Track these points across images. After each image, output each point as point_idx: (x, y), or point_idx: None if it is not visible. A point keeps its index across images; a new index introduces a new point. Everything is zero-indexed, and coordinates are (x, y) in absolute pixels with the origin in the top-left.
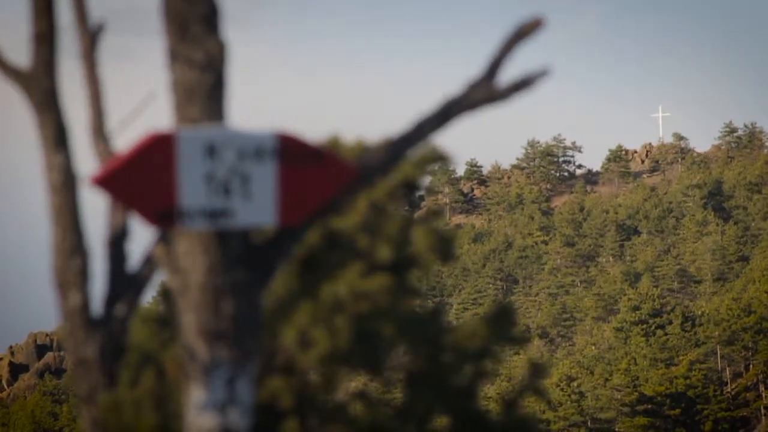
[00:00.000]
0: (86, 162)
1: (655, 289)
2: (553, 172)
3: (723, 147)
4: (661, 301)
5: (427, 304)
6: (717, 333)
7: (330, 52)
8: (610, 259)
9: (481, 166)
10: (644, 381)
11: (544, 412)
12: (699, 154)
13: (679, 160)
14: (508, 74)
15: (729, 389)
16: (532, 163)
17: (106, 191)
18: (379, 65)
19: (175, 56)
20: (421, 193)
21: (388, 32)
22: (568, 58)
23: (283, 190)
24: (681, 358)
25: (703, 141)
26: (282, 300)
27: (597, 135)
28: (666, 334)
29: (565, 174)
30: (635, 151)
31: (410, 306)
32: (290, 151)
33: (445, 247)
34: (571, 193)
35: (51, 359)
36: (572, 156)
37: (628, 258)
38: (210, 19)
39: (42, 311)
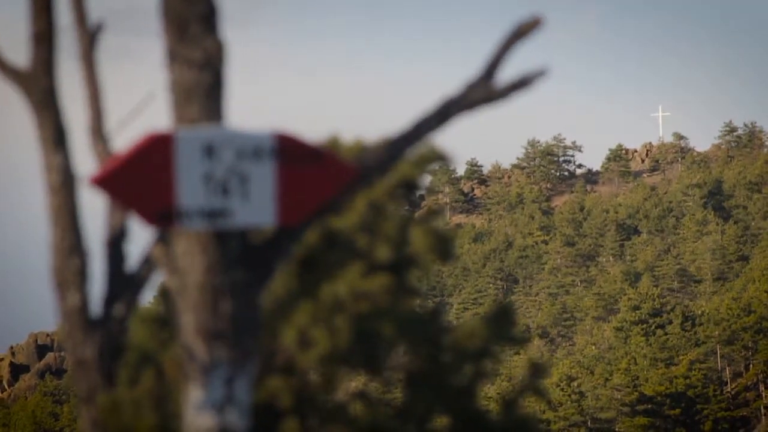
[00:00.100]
0: (85, 162)
1: (655, 288)
2: (553, 171)
3: (723, 146)
4: (661, 300)
5: (427, 303)
6: (717, 333)
7: (330, 52)
8: (610, 258)
9: (482, 166)
10: (644, 381)
11: (544, 411)
12: (699, 154)
13: (679, 159)
14: (508, 74)
15: (729, 389)
16: (532, 163)
17: (105, 191)
18: (379, 65)
19: (173, 56)
20: (422, 192)
21: (388, 32)
22: (567, 58)
23: (281, 190)
24: (681, 357)
25: (703, 140)
26: (281, 300)
27: (597, 135)
28: (666, 334)
29: (566, 173)
30: (635, 151)
31: (410, 306)
32: (289, 151)
33: (444, 247)
34: (572, 192)
35: (52, 359)
36: (572, 155)
37: (628, 258)
38: (209, 19)
39: (43, 311)
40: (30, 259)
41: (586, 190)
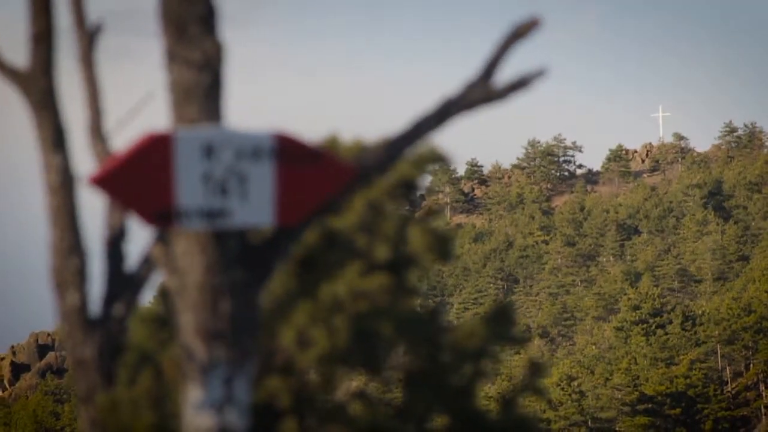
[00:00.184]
0: (84, 162)
1: (655, 288)
2: (553, 171)
3: (723, 147)
4: (661, 300)
5: (428, 303)
6: (717, 332)
7: (330, 52)
8: (611, 258)
9: (482, 166)
10: (645, 380)
11: (544, 411)
12: (699, 154)
13: (679, 159)
14: (507, 74)
15: (729, 388)
16: (532, 163)
17: (104, 191)
18: (378, 65)
19: (172, 56)
20: (422, 192)
21: (388, 32)
22: (567, 58)
23: (280, 190)
24: (681, 357)
25: (703, 141)
26: (280, 300)
27: (597, 135)
28: (666, 334)
29: (566, 174)
30: (635, 151)
31: (410, 306)
32: (288, 151)
33: (443, 247)
34: (572, 192)
35: (52, 359)
36: (572, 156)
37: (628, 257)
38: (207, 19)
39: (43, 311)
40: (30, 259)
41: (587, 190)
